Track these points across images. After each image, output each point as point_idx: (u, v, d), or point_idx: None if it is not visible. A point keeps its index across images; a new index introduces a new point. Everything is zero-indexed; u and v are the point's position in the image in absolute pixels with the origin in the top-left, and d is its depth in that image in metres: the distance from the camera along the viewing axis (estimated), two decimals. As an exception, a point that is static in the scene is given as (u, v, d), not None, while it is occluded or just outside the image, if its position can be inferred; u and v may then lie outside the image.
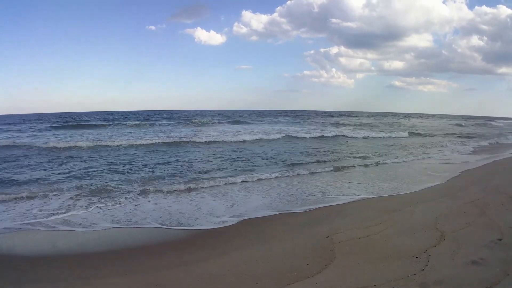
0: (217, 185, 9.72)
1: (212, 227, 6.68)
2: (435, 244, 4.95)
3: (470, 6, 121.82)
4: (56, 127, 30.77)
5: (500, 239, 4.84)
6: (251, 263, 4.94)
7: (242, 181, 10.23)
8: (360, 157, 15.32)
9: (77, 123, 35.42)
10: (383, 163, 13.97)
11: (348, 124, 42.96)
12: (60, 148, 16.92)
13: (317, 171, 11.76)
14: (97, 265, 5.16)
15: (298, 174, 11.39)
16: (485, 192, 8.24)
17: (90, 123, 35.58)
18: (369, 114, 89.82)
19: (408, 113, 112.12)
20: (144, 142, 19.09)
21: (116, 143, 18.34)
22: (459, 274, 3.94)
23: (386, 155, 16.50)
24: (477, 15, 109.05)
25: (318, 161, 13.96)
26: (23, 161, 13.50)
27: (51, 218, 7.00)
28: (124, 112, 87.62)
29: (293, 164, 13.08)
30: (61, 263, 5.27)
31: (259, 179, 10.49)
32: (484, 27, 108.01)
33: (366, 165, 13.28)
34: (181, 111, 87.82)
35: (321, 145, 20.56)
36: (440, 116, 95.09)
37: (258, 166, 12.87)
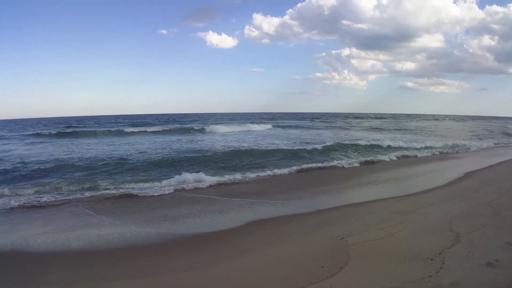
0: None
1: (221, 229, 6.73)
2: (450, 245, 4.94)
3: (481, 6, 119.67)
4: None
5: (516, 241, 4.83)
6: (264, 265, 4.93)
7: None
8: None
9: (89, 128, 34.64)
10: None
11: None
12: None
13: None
14: (105, 266, 5.18)
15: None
16: (499, 193, 8.15)
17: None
18: (388, 116, 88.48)
19: (432, 115, 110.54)
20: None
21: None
22: (474, 276, 3.94)
23: None
24: (488, 15, 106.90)
25: None
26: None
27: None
28: (137, 115, 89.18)
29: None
30: (68, 263, 5.32)
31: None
32: (495, 26, 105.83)
33: None
34: (193, 115, 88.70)
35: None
36: (464, 118, 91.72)
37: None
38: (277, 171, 12.26)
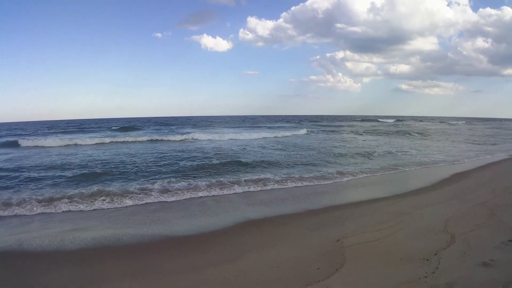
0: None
1: (217, 229, 6.75)
2: (445, 246, 4.97)
3: (474, 8, 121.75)
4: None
5: (511, 240, 4.85)
6: (261, 267, 4.93)
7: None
8: None
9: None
10: None
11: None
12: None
13: None
14: (105, 267, 5.19)
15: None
16: (494, 194, 8.20)
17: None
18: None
19: (427, 117, 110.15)
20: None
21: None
22: (470, 276, 3.96)
23: None
24: (482, 17, 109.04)
25: None
26: None
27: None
28: (133, 118, 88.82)
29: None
30: (65, 265, 5.32)
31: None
32: (489, 29, 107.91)
33: None
34: (190, 117, 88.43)
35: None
36: (469, 120, 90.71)
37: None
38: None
